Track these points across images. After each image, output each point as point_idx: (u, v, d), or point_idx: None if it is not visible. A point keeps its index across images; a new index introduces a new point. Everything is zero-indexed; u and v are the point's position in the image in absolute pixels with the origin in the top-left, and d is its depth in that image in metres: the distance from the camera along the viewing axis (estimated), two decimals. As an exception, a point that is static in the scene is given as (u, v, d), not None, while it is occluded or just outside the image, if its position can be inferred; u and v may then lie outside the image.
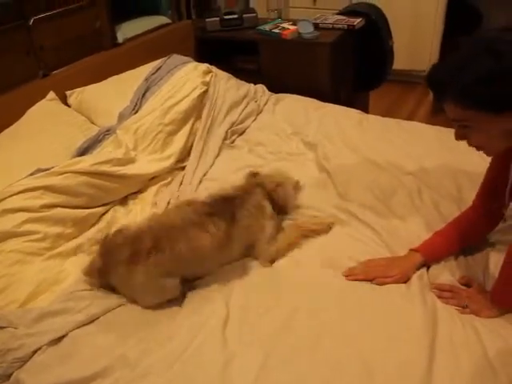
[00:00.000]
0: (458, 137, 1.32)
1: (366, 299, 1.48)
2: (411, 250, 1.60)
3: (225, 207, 1.62)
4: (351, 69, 3.19)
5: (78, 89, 2.53)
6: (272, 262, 1.64)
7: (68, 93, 2.52)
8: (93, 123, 2.39)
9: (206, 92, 2.47)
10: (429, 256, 1.58)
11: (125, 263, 1.47)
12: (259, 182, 1.79)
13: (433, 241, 1.62)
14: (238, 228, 1.60)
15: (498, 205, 1.49)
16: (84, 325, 1.46)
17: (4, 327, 1.44)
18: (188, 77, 2.50)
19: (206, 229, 1.54)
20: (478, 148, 1.33)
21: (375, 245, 1.69)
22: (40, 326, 1.44)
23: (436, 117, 3.98)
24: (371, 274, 1.55)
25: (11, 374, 1.35)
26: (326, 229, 1.75)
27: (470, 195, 1.71)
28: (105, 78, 2.61)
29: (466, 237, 1.60)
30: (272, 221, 1.72)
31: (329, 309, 1.45)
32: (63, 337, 1.42)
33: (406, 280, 1.53)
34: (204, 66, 2.61)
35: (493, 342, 1.30)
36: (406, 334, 1.34)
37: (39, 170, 1.89)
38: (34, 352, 1.38)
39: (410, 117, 3.97)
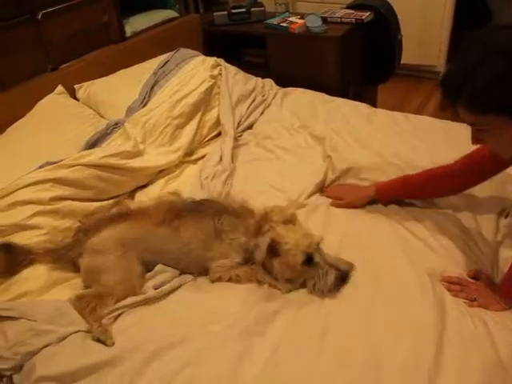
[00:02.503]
0: (475, 140, 1.32)
1: (375, 290, 1.48)
2: (373, 184, 1.81)
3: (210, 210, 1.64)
4: (359, 63, 3.17)
5: (87, 82, 2.54)
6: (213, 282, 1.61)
7: (76, 86, 2.54)
8: (101, 116, 2.40)
9: (214, 85, 2.46)
10: (381, 195, 1.79)
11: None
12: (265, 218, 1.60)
13: (393, 183, 1.78)
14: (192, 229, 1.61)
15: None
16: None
17: (17, 318, 1.45)
18: (196, 70, 2.50)
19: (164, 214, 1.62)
20: (493, 151, 1.33)
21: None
22: (60, 321, 1.45)
23: (444, 111, 3.95)
24: (333, 193, 1.91)
25: (22, 365, 1.37)
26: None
27: (477, 189, 1.72)
28: (113, 71, 2.62)
29: (434, 188, 1.72)
30: (237, 256, 1.59)
31: (336, 300, 1.46)
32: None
33: (351, 207, 1.81)
34: (212, 60, 2.61)
35: (501, 335, 1.30)
36: (414, 327, 1.34)
37: (48, 163, 1.90)
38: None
39: (419, 111, 3.94)
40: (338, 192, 1.92)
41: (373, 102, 3.42)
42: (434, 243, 1.62)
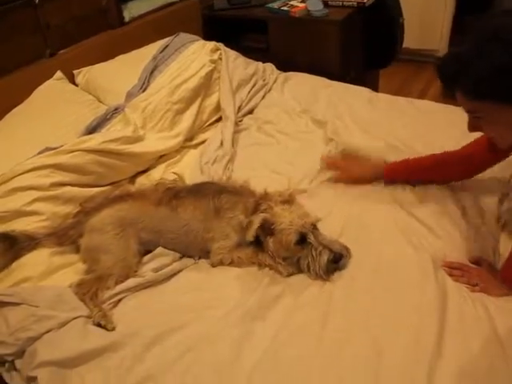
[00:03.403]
0: (471, 128, 1.31)
1: (376, 276, 1.47)
2: (386, 164, 1.81)
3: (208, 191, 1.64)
4: (361, 47, 3.15)
5: (86, 68, 2.52)
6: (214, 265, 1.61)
7: (75, 72, 2.52)
8: (100, 102, 2.38)
9: (214, 70, 2.44)
10: (389, 174, 1.80)
11: None
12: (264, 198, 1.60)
13: (401, 164, 1.78)
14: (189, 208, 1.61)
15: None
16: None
17: (19, 304, 1.45)
18: (196, 55, 2.48)
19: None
20: (491, 139, 1.33)
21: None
22: (61, 306, 1.45)
23: (446, 96, 3.93)
24: (339, 165, 1.91)
25: (24, 351, 1.37)
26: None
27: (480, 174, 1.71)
28: (112, 56, 2.60)
29: (442, 173, 1.74)
30: (236, 236, 1.59)
31: (338, 285, 1.45)
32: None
33: (357, 182, 1.82)
34: (212, 44, 2.59)
35: (503, 320, 1.30)
36: (415, 312, 1.34)
37: (48, 149, 1.89)
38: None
39: (421, 96, 3.90)
40: (345, 164, 1.90)
41: (374, 87, 3.38)
42: (437, 228, 1.61)
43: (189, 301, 1.47)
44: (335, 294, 1.42)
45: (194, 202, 1.62)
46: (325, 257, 1.45)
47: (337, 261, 1.47)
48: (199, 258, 1.63)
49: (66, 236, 1.66)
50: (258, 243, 1.55)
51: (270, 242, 1.51)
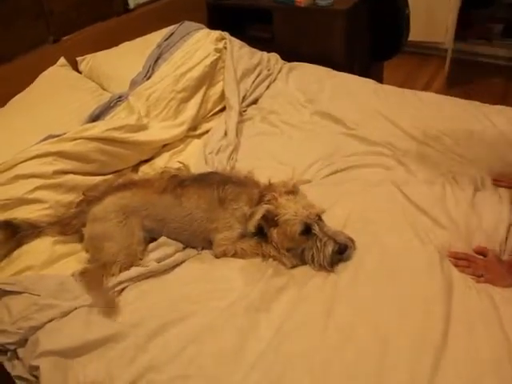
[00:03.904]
0: None
1: (381, 267, 1.46)
2: None
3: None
4: (366, 38, 3.11)
5: (89, 55, 2.49)
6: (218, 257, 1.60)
7: (79, 59, 2.49)
8: (104, 89, 2.36)
9: (218, 59, 2.42)
10: None
11: None
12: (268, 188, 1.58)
13: None
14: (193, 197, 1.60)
15: None
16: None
17: (21, 293, 1.44)
18: (201, 43, 2.45)
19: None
20: None
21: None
22: (64, 295, 1.44)
23: (451, 89, 3.91)
24: None
25: (27, 340, 1.37)
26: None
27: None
28: (116, 44, 2.57)
29: None
30: (239, 227, 1.57)
31: (342, 275, 1.44)
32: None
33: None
34: (217, 33, 2.56)
35: (508, 310, 1.29)
36: (421, 302, 1.33)
37: (51, 136, 1.88)
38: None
39: (425, 89, 3.86)
40: None
41: (379, 79, 3.36)
42: (442, 219, 1.60)
43: (192, 292, 1.46)
44: (339, 286, 1.41)
45: (199, 191, 1.60)
46: (330, 248, 1.44)
47: (342, 252, 1.46)
48: (202, 248, 1.62)
49: (69, 225, 1.65)
50: (262, 234, 1.54)
51: (274, 233, 1.50)
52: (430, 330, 1.26)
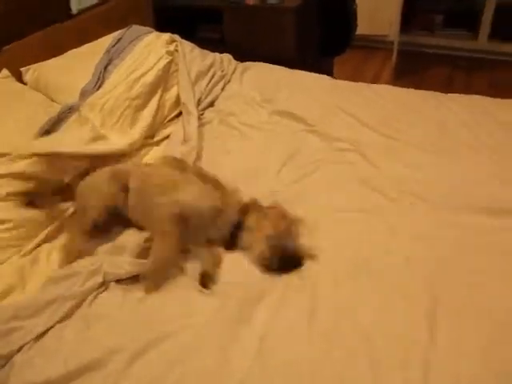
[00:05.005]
0: None
1: (358, 265, 1.45)
2: None
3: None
4: (316, 34, 3.13)
5: (35, 65, 2.35)
6: None
7: (23, 69, 2.35)
8: (52, 101, 2.24)
9: (171, 62, 2.35)
10: None
11: None
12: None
13: None
14: None
15: None
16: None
17: None
18: (151, 47, 2.37)
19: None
20: None
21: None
22: (19, 323, 1.33)
23: (398, 80, 3.98)
24: None
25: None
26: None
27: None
28: (60, 52, 2.45)
29: None
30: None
31: (320, 279, 1.42)
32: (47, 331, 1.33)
33: None
34: (167, 36, 2.49)
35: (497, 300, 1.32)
36: (404, 299, 1.34)
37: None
38: (18, 350, 1.28)
39: (374, 81, 3.94)
40: None
41: (329, 74, 3.38)
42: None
43: (165, 310, 1.37)
44: (318, 289, 1.39)
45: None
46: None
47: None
48: None
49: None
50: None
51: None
52: (416, 322, 1.26)
